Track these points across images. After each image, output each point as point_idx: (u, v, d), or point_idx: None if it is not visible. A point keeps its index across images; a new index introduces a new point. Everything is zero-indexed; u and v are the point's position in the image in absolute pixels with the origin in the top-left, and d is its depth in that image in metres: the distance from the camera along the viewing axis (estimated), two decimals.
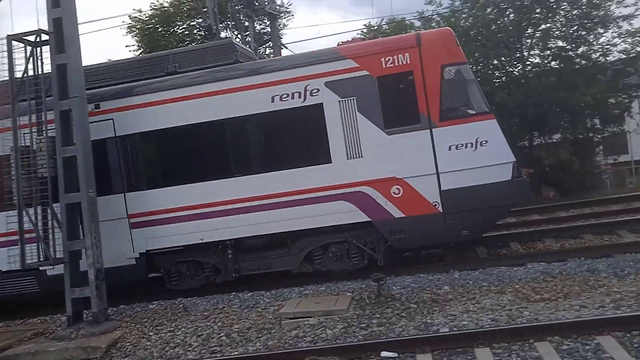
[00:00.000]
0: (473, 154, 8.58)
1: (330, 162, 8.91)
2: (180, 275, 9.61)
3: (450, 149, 8.61)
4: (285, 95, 8.97)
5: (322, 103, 8.90)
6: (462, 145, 8.59)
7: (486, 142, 8.59)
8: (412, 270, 8.81)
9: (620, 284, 6.87)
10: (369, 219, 8.85)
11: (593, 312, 5.93)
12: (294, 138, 9.16)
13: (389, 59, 8.74)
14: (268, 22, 21.34)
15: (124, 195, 9.41)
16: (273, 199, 9.01)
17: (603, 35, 17.45)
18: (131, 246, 9.39)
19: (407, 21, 21.77)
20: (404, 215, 8.74)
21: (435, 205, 8.67)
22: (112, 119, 9.40)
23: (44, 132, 8.32)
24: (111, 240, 9.24)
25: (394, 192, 8.77)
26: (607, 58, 17.73)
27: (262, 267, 9.40)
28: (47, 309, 9.61)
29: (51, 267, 9.22)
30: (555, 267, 7.99)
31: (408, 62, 8.70)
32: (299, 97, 8.95)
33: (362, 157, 8.83)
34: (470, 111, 8.73)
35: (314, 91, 8.89)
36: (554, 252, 9.32)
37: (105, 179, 9.39)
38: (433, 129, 8.64)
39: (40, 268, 9.34)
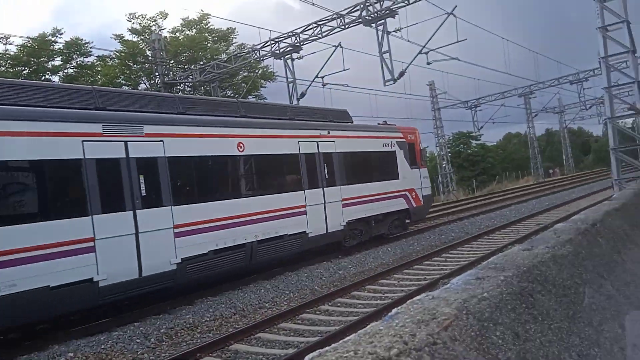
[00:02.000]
0: (425, 180, 20.51)
1: (398, 179, 18.61)
2: (350, 238, 16.27)
3: (424, 178, 20.22)
4: (386, 144, 18.17)
5: (395, 151, 18.64)
6: (424, 177, 20.40)
7: (427, 176, 20.75)
8: None
9: None
10: (407, 207, 19.00)
11: None
12: (387, 166, 18.27)
13: (409, 136, 19.68)
14: None
15: (339, 188, 15.57)
16: (385, 194, 17.73)
17: None
18: (341, 218, 15.52)
19: None
20: (415, 206, 19.47)
21: (422, 201, 19.89)
22: (334, 141, 15.62)
23: None
24: (333, 214, 15.32)
25: (413, 195, 19.39)
26: None
27: (378, 231, 17.53)
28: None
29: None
30: None
31: (413, 139, 19.91)
32: (389, 146, 18.35)
33: (406, 177, 19.03)
34: (423, 163, 20.70)
35: (393, 144, 18.55)
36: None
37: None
38: (420, 169, 20.04)
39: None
